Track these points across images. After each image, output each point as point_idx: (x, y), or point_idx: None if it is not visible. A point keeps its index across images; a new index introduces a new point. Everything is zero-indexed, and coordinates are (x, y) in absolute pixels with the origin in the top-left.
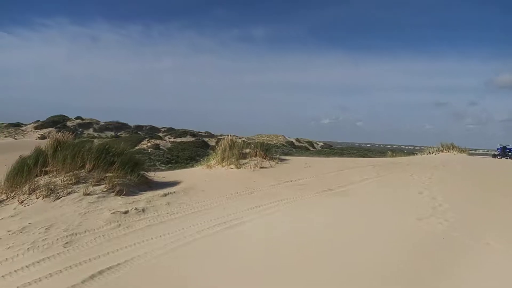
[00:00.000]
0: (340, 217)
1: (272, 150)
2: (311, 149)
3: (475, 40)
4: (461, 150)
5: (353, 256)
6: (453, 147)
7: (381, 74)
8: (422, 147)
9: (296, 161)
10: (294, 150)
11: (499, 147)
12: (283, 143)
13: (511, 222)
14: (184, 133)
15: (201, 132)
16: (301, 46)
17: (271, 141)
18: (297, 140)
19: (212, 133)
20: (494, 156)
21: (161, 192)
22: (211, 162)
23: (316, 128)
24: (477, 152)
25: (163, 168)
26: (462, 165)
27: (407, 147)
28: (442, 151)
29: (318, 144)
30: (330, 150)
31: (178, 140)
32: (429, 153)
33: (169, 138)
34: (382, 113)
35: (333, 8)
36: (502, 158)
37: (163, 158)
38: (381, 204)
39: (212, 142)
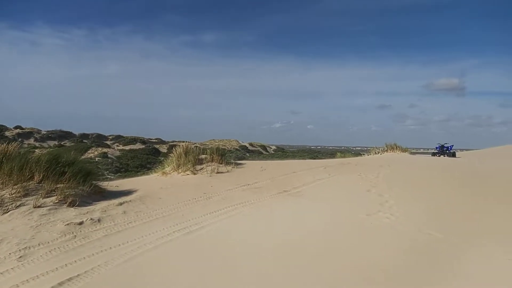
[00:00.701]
0: (297, 216)
1: (227, 155)
2: (265, 152)
3: (415, 46)
4: (404, 150)
5: (313, 250)
6: (396, 147)
7: (330, 79)
8: (369, 148)
9: (251, 165)
10: (248, 154)
11: (437, 146)
12: (237, 147)
13: (449, 214)
14: (133, 140)
15: (151, 139)
16: (252, 52)
17: (225, 146)
18: (251, 144)
19: (164, 139)
20: (433, 154)
21: (116, 201)
22: (166, 169)
23: (268, 132)
24: (418, 151)
25: (112, 177)
26: (404, 163)
27: (355, 148)
28: (387, 151)
29: (271, 148)
30: (283, 153)
31: (127, 147)
32: (375, 153)
33: (117, 146)
34: (331, 116)
35: (282, 15)
36: (441, 156)
37: (112, 167)
38: (334, 202)
39: (163, 149)
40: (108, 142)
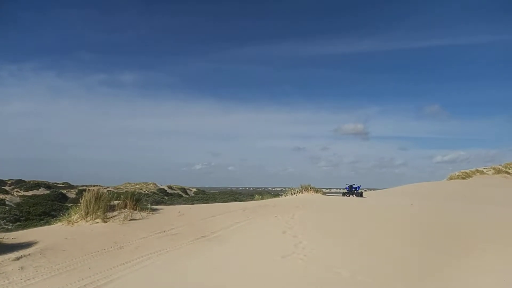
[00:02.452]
0: (213, 263)
1: (142, 200)
2: (185, 195)
3: (326, 94)
4: (317, 190)
5: None
6: (310, 188)
7: (249, 121)
8: (286, 188)
9: (168, 210)
10: (166, 198)
11: (347, 186)
12: (155, 191)
13: (358, 253)
14: (36, 185)
15: (58, 183)
16: (173, 93)
17: (141, 189)
18: (170, 187)
19: (72, 183)
20: (344, 194)
21: (12, 255)
22: (73, 217)
23: (188, 174)
24: (331, 191)
25: (10, 227)
26: (317, 204)
27: (273, 189)
28: (302, 192)
29: (192, 190)
30: (204, 195)
31: (29, 193)
32: (291, 194)
33: (17, 191)
34: (251, 157)
35: (202, 58)
36: (350, 196)
37: (10, 216)
38: (251, 246)
39: (72, 194)
40: (7, 188)
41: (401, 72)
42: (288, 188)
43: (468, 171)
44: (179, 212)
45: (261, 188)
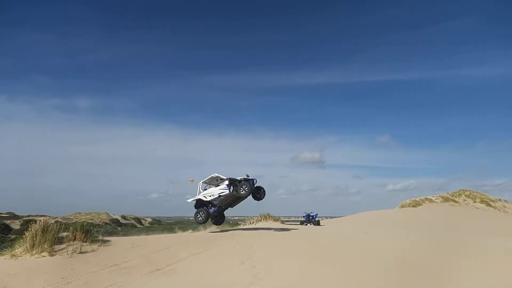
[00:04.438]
0: None
1: (93, 231)
2: (139, 225)
3: (284, 123)
4: (276, 219)
5: None
6: (269, 217)
7: (209, 149)
8: (245, 217)
9: (122, 242)
10: (119, 228)
11: (304, 215)
12: (107, 221)
13: (318, 283)
14: None
15: (1, 213)
16: (132, 119)
17: (92, 220)
18: (123, 217)
19: (17, 213)
20: (302, 223)
21: None
22: (17, 250)
23: (144, 203)
24: (290, 219)
25: None
26: (276, 233)
27: (232, 218)
28: (260, 220)
29: (147, 220)
30: (160, 225)
31: None
32: (250, 223)
33: None
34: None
35: (163, 84)
36: (308, 224)
37: None
38: (208, 278)
39: (16, 225)
40: None
41: (355, 103)
42: (247, 217)
43: (418, 199)
44: (133, 243)
45: None
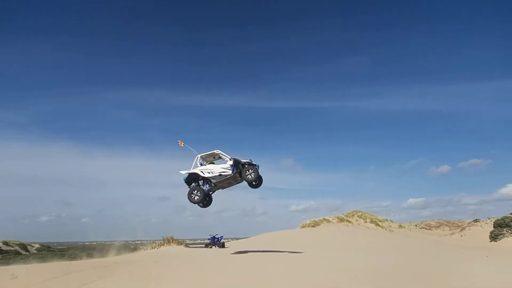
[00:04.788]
0: None
1: None
2: (24, 252)
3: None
4: (180, 242)
5: None
6: (173, 240)
7: (111, 169)
8: (147, 241)
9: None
10: (0, 256)
11: (210, 237)
12: None
13: None
14: None
15: None
16: (21, 134)
17: None
18: (5, 243)
19: None
20: (207, 245)
21: None
22: None
23: (32, 227)
24: (196, 241)
25: None
26: (177, 259)
27: (133, 242)
28: (163, 244)
29: (34, 246)
30: (49, 252)
31: None
32: (152, 247)
33: None
34: (110, 208)
35: (57, 98)
36: (213, 247)
37: None
38: None
39: None
40: None
41: (263, 126)
42: (149, 241)
43: (317, 219)
44: (12, 274)
45: (120, 241)
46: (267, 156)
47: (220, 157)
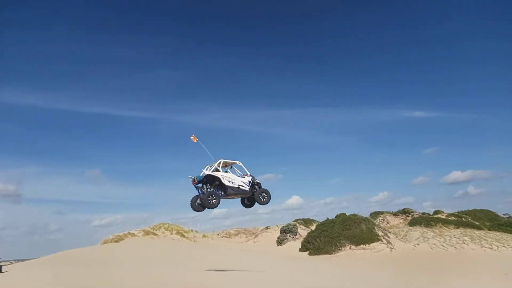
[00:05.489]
0: None
1: None
2: None
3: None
4: None
5: None
6: None
7: None
8: None
9: None
10: None
11: None
12: None
13: None
14: None
15: None
16: None
17: None
18: None
19: None
20: None
21: None
22: None
23: None
24: None
25: None
26: None
27: None
28: None
29: None
30: None
31: None
32: None
33: None
34: None
35: None
36: None
37: None
38: None
39: None
40: None
41: (66, 133)
42: None
43: (121, 234)
44: None
45: None
46: (71, 166)
47: (226, 166)
